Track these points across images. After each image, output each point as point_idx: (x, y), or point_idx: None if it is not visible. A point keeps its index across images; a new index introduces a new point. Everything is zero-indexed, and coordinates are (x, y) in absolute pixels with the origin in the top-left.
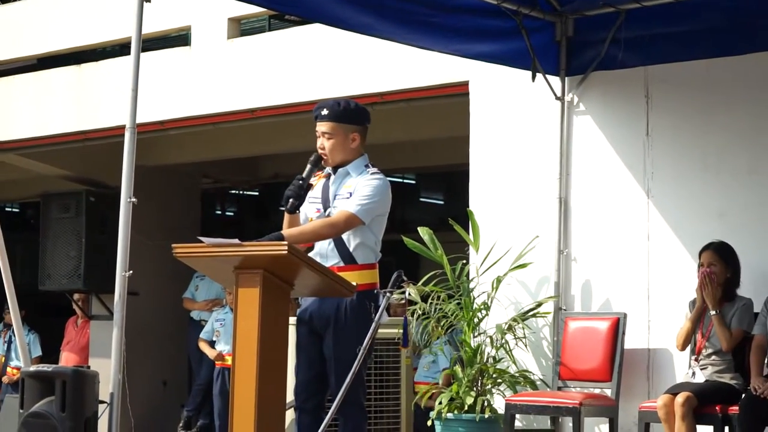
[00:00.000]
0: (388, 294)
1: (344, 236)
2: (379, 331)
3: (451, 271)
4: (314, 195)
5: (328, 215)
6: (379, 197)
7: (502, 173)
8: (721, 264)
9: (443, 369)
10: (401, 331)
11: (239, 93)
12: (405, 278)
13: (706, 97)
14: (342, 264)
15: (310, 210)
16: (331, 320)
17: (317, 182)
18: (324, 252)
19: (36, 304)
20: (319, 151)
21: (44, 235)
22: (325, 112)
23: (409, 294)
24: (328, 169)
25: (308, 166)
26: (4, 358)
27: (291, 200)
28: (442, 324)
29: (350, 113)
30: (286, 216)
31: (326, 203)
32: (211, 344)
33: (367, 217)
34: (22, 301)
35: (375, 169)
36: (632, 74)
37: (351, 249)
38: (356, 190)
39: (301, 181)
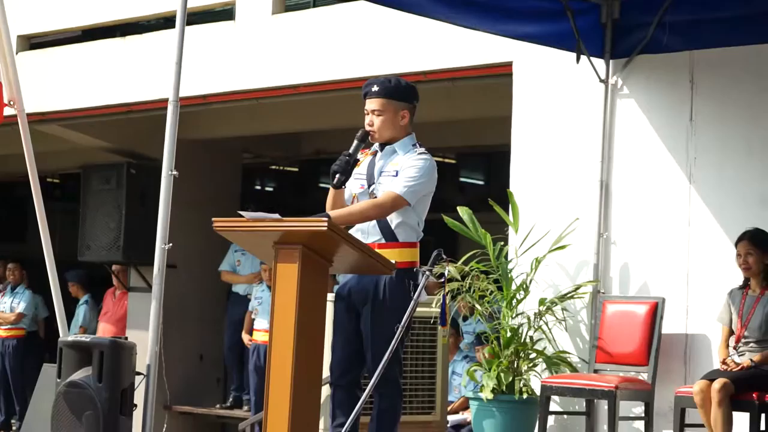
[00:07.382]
0: (427, 272)
1: None
2: (417, 309)
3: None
4: (360, 171)
5: (372, 192)
6: (426, 178)
7: (543, 155)
8: (756, 252)
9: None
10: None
11: (282, 68)
12: (444, 257)
13: (751, 83)
14: (383, 241)
15: (354, 186)
16: (370, 297)
17: (364, 159)
18: (365, 228)
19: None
20: (368, 128)
21: (84, 207)
22: (375, 88)
23: (448, 272)
24: (375, 146)
25: (355, 142)
26: None
27: (338, 175)
28: (481, 303)
29: (401, 90)
30: (331, 191)
31: (371, 179)
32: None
33: (413, 198)
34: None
35: (422, 149)
36: (677, 58)
37: (393, 227)
38: (402, 169)
39: (347, 157)
